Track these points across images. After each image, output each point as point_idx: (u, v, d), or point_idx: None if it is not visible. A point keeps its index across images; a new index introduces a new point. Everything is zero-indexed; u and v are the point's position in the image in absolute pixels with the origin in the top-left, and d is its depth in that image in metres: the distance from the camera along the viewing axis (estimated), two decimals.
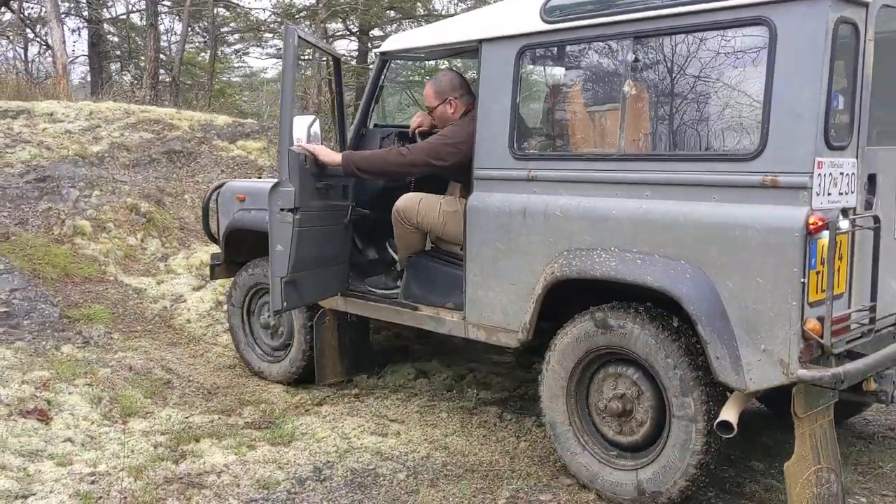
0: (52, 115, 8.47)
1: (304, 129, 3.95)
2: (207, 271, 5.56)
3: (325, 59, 14.79)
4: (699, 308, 2.85)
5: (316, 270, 4.02)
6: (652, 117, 3.24)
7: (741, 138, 2.93)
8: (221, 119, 9.35)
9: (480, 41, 3.64)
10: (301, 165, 3.79)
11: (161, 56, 16.03)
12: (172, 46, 18.24)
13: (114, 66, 21.80)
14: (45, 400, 4.00)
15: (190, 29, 15.68)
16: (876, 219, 3.00)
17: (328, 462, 3.53)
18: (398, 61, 4.82)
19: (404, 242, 4.15)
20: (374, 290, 4.28)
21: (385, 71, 4.35)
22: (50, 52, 13.97)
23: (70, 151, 7.62)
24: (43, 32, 15.45)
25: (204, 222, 5.33)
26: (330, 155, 3.92)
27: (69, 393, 4.12)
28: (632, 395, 3.19)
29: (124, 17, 20.43)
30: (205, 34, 17.82)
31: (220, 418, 4.07)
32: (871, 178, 3.04)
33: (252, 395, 4.55)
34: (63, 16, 11.97)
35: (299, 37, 3.88)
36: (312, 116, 4.14)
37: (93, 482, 3.27)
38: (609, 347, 3.20)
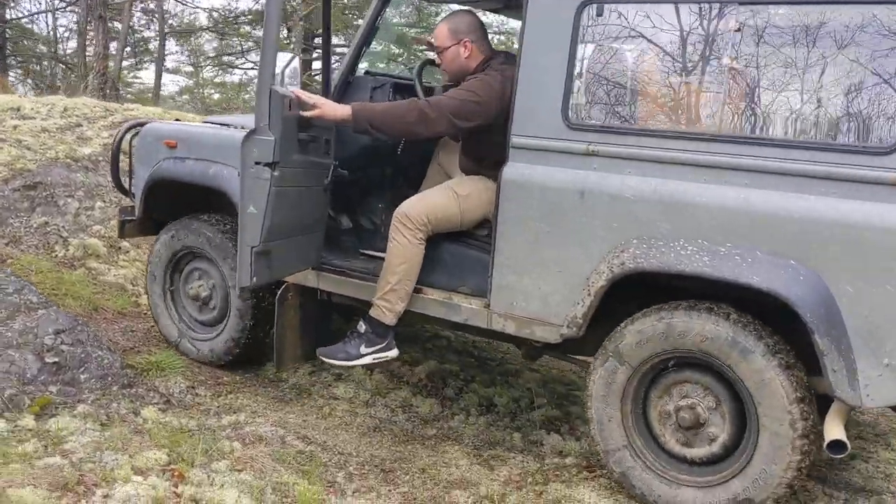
0: (18, 110, 6.85)
1: (279, 69, 3.36)
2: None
3: None
4: (816, 314, 2.55)
5: (289, 240, 3.35)
6: (755, 96, 2.87)
7: (872, 129, 2.64)
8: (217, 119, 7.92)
9: None
10: (284, 110, 3.09)
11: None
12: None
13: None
14: (191, 500, 2.66)
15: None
16: None
17: None
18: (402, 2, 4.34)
19: (399, 260, 3.35)
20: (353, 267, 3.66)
21: (384, 9, 3.71)
22: None
23: (58, 153, 6.07)
24: None
25: (113, 170, 4.47)
26: (335, 107, 3.24)
27: (219, 485, 2.79)
28: (707, 404, 2.90)
29: (24, 18, 18.33)
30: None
31: None
32: None
33: (434, 468, 3.32)
34: None
35: None
36: (290, 55, 3.34)
37: None
38: (683, 350, 2.85)
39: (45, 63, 17.54)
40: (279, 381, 4.11)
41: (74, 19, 18.70)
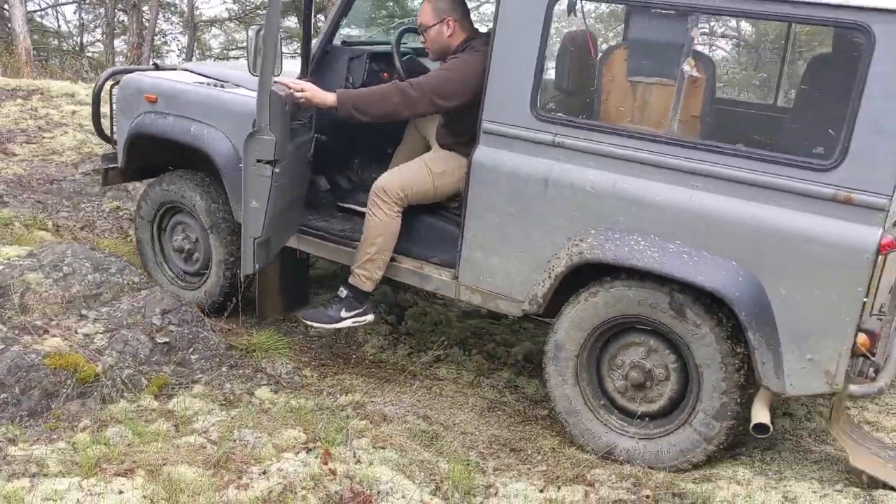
0: (73, 96, 6.79)
1: (252, 40, 3.22)
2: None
3: None
4: (751, 313, 2.74)
5: (282, 219, 3.50)
6: (711, 104, 3.01)
7: (815, 145, 2.71)
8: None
9: None
10: (283, 109, 3.21)
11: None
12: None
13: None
14: (346, 477, 2.59)
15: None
16: None
17: None
18: None
19: (376, 232, 3.48)
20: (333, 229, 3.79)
21: None
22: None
23: None
24: None
25: (94, 118, 4.51)
26: (322, 95, 3.33)
27: (367, 463, 2.72)
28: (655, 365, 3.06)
29: (38, 11, 18.19)
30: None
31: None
32: None
33: (563, 448, 3.25)
34: None
35: None
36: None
37: None
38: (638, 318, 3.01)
39: (59, 59, 17.41)
40: (380, 361, 4.04)
41: (79, 13, 18.64)
